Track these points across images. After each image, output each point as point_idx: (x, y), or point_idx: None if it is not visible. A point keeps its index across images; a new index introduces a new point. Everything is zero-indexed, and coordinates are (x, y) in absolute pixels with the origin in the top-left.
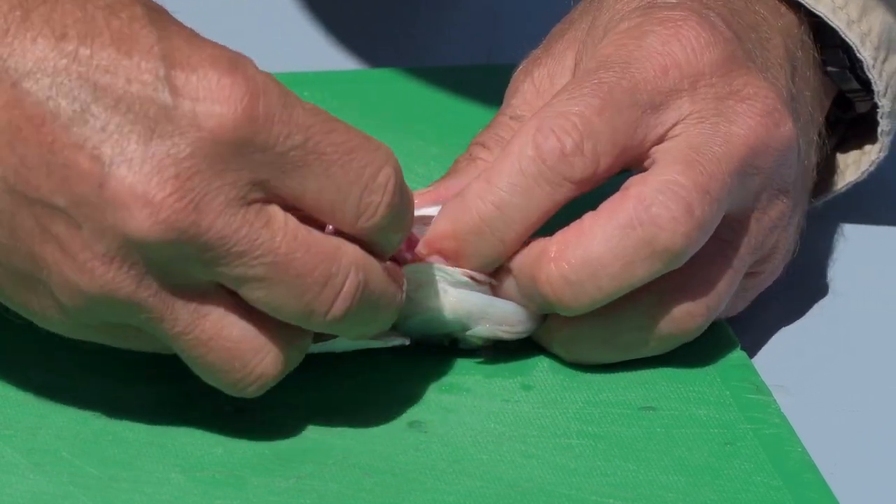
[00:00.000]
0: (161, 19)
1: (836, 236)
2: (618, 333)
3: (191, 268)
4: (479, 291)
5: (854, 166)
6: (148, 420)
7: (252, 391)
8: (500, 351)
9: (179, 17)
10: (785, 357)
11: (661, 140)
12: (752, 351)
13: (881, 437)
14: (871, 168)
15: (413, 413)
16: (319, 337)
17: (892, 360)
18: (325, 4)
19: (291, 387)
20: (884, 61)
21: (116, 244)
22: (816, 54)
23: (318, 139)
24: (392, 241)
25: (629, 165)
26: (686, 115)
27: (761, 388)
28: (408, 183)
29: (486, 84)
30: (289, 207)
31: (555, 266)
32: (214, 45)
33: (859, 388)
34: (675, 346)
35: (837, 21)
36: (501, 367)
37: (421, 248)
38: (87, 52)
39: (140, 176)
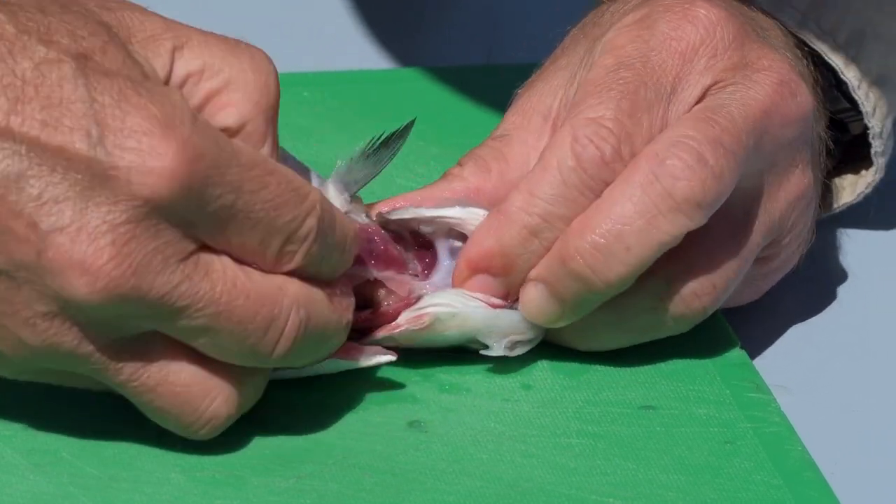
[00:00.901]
0: (94, 71)
1: (839, 238)
2: (629, 317)
3: (134, 323)
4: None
5: (850, 188)
6: (148, 420)
7: (204, 433)
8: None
9: (173, 15)
10: (786, 357)
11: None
12: (753, 351)
13: (881, 437)
14: (868, 190)
15: (413, 413)
16: None
17: (892, 361)
18: (324, 5)
19: (291, 387)
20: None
21: (57, 306)
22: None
23: (248, 198)
24: (331, 267)
25: None
26: (709, 86)
27: (761, 387)
28: (408, 183)
29: (485, 84)
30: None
31: (581, 238)
32: (151, 96)
33: (859, 388)
34: (686, 329)
35: (822, 44)
36: (501, 366)
37: (463, 269)
38: (19, 119)
39: (76, 244)
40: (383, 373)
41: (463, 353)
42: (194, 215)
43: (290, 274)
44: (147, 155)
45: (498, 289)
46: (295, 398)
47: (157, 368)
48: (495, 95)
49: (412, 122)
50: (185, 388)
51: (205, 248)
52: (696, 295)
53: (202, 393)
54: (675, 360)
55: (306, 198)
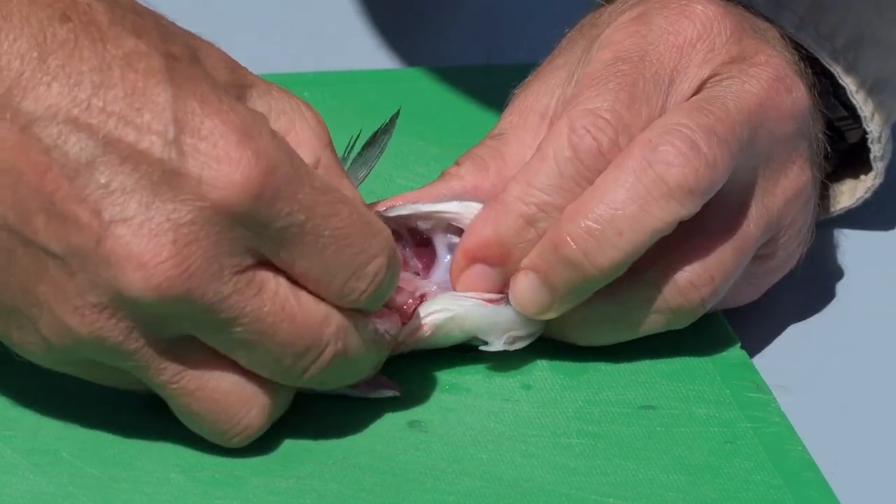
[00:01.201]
0: (179, 73)
1: (838, 238)
2: (627, 310)
3: (179, 324)
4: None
5: (849, 193)
6: (148, 420)
7: (237, 441)
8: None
9: (173, 15)
10: (786, 357)
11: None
12: (753, 350)
13: (881, 437)
14: (867, 195)
15: (413, 413)
16: None
17: (892, 361)
18: (324, 5)
19: None
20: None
21: (108, 297)
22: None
23: (319, 221)
24: (381, 303)
25: None
26: (706, 79)
27: (761, 387)
28: (407, 183)
29: (485, 84)
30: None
31: (573, 223)
32: (232, 105)
33: (860, 388)
34: (686, 323)
35: (819, 48)
36: (501, 366)
37: (460, 260)
38: (100, 103)
39: (138, 238)
40: (383, 373)
41: (463, 352)
42: (261, 228)
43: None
44: (221, 160)
45: (495, 279)
46: (295, 398)
47: (198, 373)
48: (495, 95)
49: (396, 115)
50: (224, 395)
51: (264, 264)
52: (694, 286)
53: (240, 402)
54: (675, 360)
55: (379, 234)
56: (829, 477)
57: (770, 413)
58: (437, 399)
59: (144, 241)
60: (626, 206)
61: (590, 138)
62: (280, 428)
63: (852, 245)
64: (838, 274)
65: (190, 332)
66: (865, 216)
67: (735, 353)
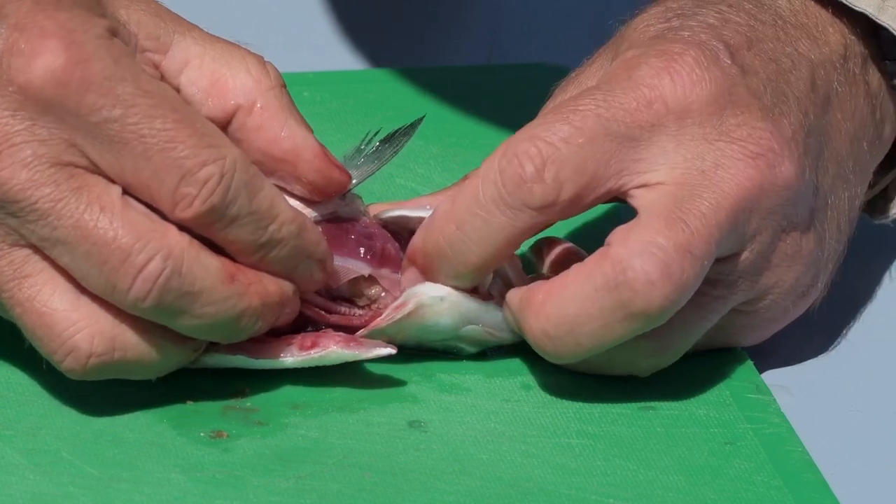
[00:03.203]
0: None
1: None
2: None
3: (2, 220)
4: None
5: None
6: (148, 420)
7: (68, 366)
8: (499, 351)
9: (183, 12)
10: (786, 357)
11: (645, 184)
12: (753, 351)
13: (881, 437)
14: None
15: (413, 413)
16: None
17: (892, 362)
18: (324, 5)
19: (291, 386)
20: None
21: None
22: (873, 79)
23: (138, 120)
24: (276, 257)
25: (608, 198)
26: (671, 160)
27: (761, 388)
28: (407, 183)
29: (486, 84)
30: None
31: (535, 319)
32: (68, 10)
33: (860, 388)
34: (655, 370)
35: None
36: (501, 367)
37: (404, 261)
38: None
39: None
40: (383, 373)
41: (458, 357)
42: (73, 119)
43: (236, 251)
44: (33, 48)
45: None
46: (295, 397)
47: (30, 283)
48: (496, 95)
49: (420, 121)
50: (51, 310)
51: (98, 173)
52: (654, 359)
53: (66, 320)
54: (675, 361)
55: (213, 147)
56: (829, 477)
57: (770, 414)
58: (437, 399)
59: None
60: (587, 322)
61: (516, 163)
62: (280, 428)
63: (852, 247)
64: (839, 275)
65: (19, 232)
66: (865, 218)
67: (735, 353)
